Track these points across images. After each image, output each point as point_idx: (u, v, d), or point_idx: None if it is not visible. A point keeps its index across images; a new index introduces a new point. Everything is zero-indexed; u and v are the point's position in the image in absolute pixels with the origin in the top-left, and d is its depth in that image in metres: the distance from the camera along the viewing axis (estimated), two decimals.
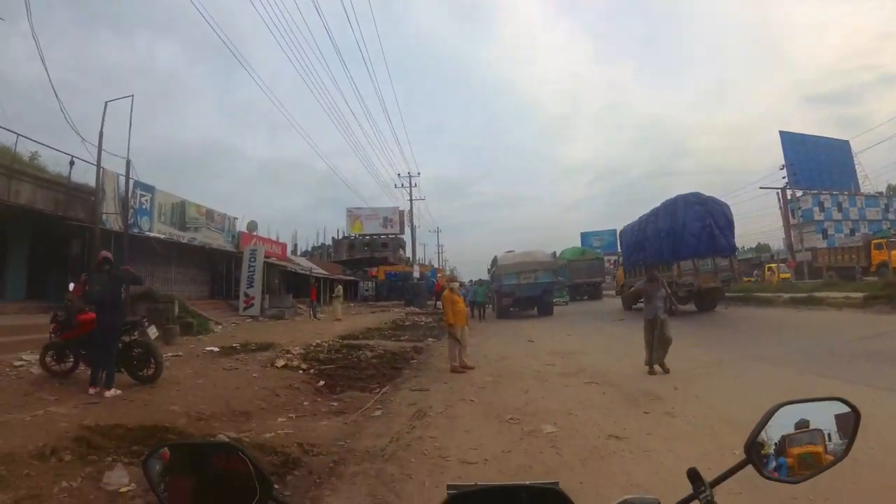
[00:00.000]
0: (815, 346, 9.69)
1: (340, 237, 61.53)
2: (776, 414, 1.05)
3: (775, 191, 39.67)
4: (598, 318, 20.70)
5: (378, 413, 6.41)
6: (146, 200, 17.40)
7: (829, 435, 1.09)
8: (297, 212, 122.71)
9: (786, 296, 20.06)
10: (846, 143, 48.60)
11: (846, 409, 1.12)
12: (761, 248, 59.55)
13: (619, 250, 30.57)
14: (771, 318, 15.82)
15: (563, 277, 31.91)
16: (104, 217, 14.40)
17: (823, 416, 1.10)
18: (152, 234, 17.11)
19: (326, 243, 65.96)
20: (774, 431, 1.06)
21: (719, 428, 4.84)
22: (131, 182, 15.25)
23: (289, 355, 10.48)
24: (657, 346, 8.01)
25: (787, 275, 34.86)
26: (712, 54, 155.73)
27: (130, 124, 13.94)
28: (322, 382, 8.34)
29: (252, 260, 22.38)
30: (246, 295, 21.95)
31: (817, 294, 18.47)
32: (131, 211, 15.61)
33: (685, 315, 16.54)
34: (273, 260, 26.50)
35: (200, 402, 6.54)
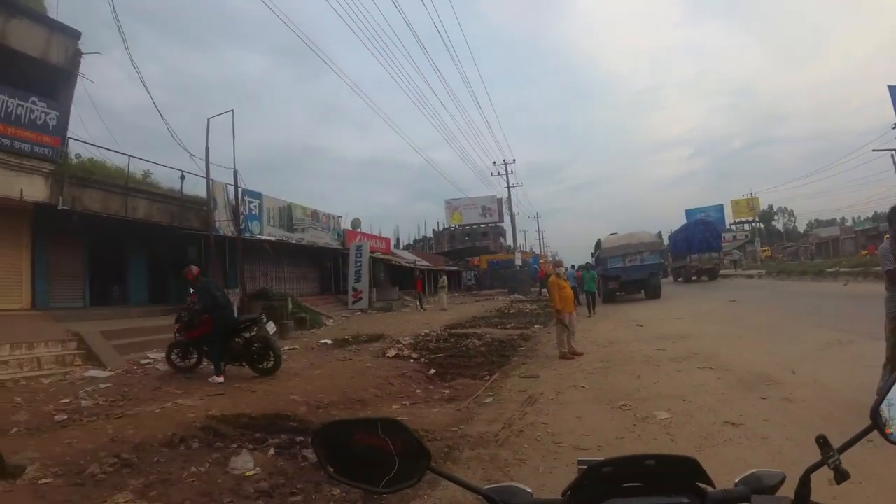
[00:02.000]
0: None
1: (441, 229, 62.45)
2: None
3: (889, 152, 34.41)
4: (708, 299, 19.31)
5: (489, 400, 6.30)
6: (255, 206, 18.49)
7: None
8: (397, 206, 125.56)
9: None
10: None
11: None
12: (878, 218, 50.66)
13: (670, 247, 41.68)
14: None
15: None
16: (217, 224, 15.46)
17: None
18: (263, 237, 18.10)
19: (427, 235, 67.26)
20: None
21: (840, 414, 4.38)
22: (240, 190, 16.23)
23: (399, 345, 10.64)
24: None
25: None
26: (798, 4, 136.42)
27: (234, 136, 14.66)
28: (433, 371, 8.36)
29: (358, 256, 23.10)
30: (354, 289, 22.73)
31: None
32: (242, 217, 16.64)
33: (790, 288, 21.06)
34: (378, 254, 27.13)
35: (318, 392, 6.74)
